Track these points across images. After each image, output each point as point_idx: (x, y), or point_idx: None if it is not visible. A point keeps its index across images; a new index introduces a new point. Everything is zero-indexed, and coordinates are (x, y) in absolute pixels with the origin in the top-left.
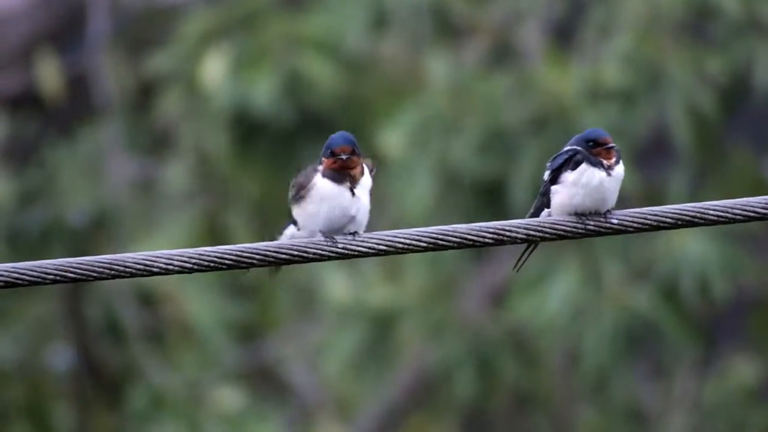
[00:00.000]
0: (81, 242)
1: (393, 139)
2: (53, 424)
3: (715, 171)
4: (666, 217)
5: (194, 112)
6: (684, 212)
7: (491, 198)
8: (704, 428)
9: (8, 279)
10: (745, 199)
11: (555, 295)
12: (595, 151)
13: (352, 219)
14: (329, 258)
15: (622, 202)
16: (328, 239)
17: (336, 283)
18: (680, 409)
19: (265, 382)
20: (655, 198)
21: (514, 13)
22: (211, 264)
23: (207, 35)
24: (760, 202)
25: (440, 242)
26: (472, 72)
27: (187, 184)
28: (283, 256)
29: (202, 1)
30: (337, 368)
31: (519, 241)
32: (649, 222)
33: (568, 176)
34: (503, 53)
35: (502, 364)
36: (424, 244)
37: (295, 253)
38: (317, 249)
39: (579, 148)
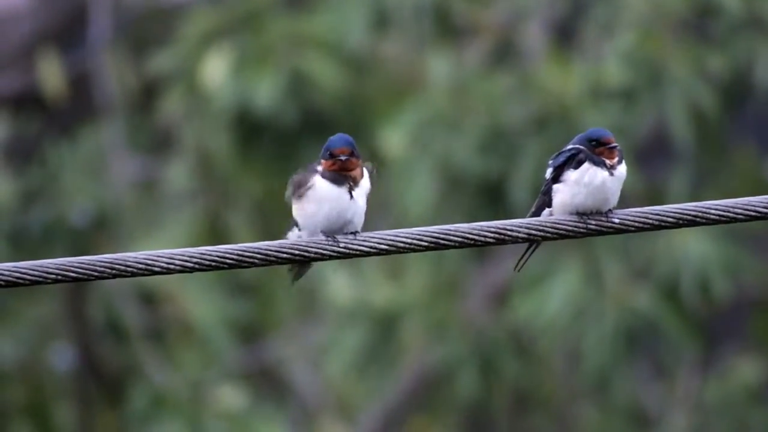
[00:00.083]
0: (82, 242)
1: (394, 138)
2: (55, 423)
3: (717, 170)
4: (668, 216)
5: (196, 111)
6: (686, 212)
7: (492, 197)
8: (706, 428)
9: (10, 278)
10: (746, 198)
11: (556, 295)
12: (597, 151)
13: (349, 222)
14: (331, 257)
15: (623, 201)
16: (329, 239)
17: (338, 283)
18: (682, 409)
19: (267, 383)
20: (655, 197)
21: (515, 13)
22: (213, 263)
23: (209, 35)
24: (761, 202)
25: (442, 242)
26: (474, 71)
27: (188, 183)
28: (285, 255)
29: (204, 0)
30: (340, 368)
31: (520, 240)
32: (650, 221)
33: (571, 175)
34: (505, 53)
35: (503, 363)
36: (426, 244)
37: (297, 252)
38: (319, 248)
39: (582, 147)
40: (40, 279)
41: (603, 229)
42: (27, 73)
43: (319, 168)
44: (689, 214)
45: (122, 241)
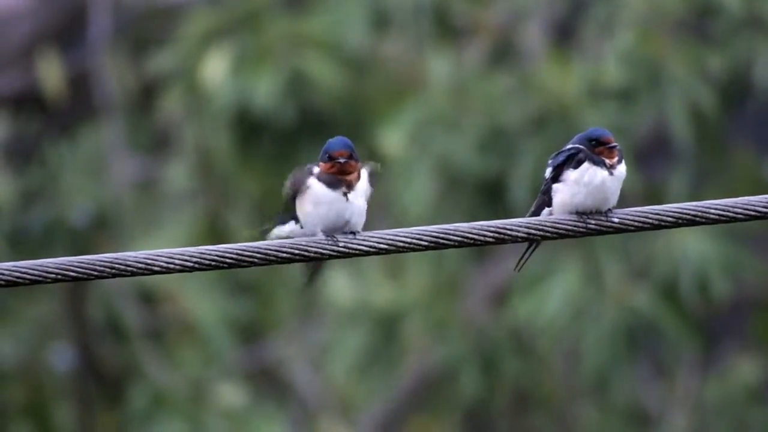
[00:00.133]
0: (82, 241)
1: (394, 138)
2: (54, 423)
3: (716, 170)
4: (667, 216)
5: (196, 111)
6: (685, 211)
7: (492, 197)
8: (706, 428)
9: (10, 278)
10: (746, 198)
11: (556, 295)
12: (597, 150)
13: (348, 222)
14: (330, 257)
15: (623, 201)
16: (329, 238)
17: (338, 283)
18: (681, 409)
19: (268, 382)
20: (655, 197)
21: (515, 13)
22: (212, 263)
23: (208, 35)
24: (761, 201)
25: (441, 241)
26: (473, 71)
27: (188, 183)
28: (285, 255)
29: (203, 0)
30: (342, 369)
31: (520, 239)
32: (650, 221)
33: (570, 174)
34: (504, 53)
35: (504, 363)
36: (426, 243)
37: (297, 252)
38: (318, 248)
39: (581, 146)
40: (40, 278)
41: (602, 228)
42: (27, 72)
43: (316, 170)
44: (689, 214)
45: (122, 241)
